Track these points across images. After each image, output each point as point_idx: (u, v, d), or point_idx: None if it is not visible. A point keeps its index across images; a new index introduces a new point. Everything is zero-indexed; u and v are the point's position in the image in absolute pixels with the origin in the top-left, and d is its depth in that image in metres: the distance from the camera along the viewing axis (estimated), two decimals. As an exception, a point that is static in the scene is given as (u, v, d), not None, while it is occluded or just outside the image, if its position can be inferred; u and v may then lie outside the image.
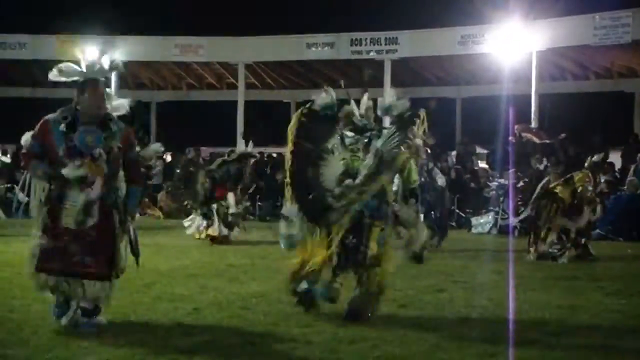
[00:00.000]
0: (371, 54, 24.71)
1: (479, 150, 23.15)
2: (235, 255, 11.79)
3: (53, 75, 6.34)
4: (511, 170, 17.74)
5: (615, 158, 19.62)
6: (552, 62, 24.30)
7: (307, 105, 7.40)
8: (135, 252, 6.36)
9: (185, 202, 15.58)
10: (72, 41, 24.35)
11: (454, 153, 23.17)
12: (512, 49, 22.32)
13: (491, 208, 17.88)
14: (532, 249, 11.79)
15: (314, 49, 25.44)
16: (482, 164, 21.43)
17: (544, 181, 12.37)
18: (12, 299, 7.42)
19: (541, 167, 14.32)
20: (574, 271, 10.22)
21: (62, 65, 6.34)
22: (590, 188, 11.92)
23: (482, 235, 16.79)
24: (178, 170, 20.47)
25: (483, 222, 17.67)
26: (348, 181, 6.87)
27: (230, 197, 14.10)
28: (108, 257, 6.13)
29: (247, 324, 6.47)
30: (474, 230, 17.58)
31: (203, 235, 13.85)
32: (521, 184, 14.98)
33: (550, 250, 11.67)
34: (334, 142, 7.14)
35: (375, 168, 6.80)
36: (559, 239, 11.75)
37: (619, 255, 12.24)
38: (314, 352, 5.62)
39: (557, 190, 11.82)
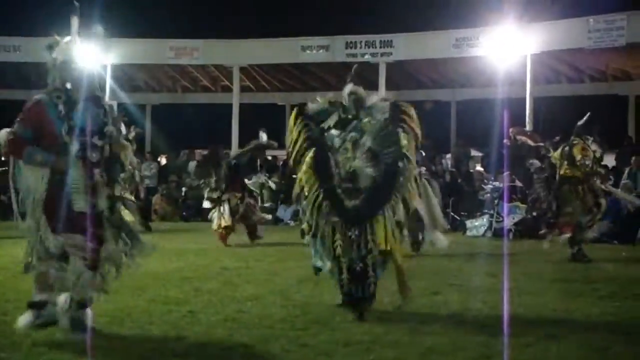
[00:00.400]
0: (366, 56, 24.72)
1: (473, 153, 23.19)
2: (230, 258, 11.78)
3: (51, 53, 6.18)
4: (506, 173, 17.78)
5: (610, 160, 19.65)
6: (546, 65, 24.36)
7: (300, 106, 7.51)
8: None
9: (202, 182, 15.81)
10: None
11: (448, 156, 23.20)
12: (507, 51, 22.37)
13: (486, 211, 17.89)
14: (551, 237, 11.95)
15: (308, 51, 25.47)
16: (478, 167, 21.46)
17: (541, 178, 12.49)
18: (5, 302, 7.39)
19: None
20: (569, 274, 10.23)
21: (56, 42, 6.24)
22: (588, 162, 12.03)
23: (477, 238, 16.81)
24: (198, 161, 20.68)
25: (478, 224, 17.69)
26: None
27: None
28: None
29: (242, 327, 6.46)
30: (468, 233, 17.60)
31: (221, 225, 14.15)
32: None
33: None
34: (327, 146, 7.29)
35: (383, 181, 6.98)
36: (589, 211, 11.96)
37: (614, 258, 12.24)
38: (309, 354, 5.61)
39: (570, 173, 11.93)
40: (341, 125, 7.45)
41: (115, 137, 6.11)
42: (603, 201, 12.23)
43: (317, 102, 7.57)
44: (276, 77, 28.67)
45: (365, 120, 7.40)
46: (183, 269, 10.34)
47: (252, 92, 29.32)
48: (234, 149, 24.56)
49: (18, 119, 5.93)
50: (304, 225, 7.44)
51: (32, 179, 5.92)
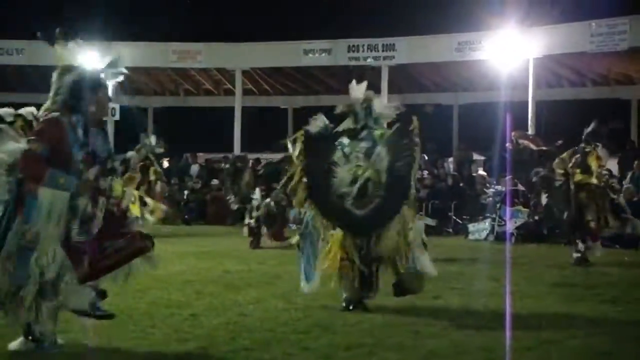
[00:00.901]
0: (368, 60, 24.73)
1: (476, 156, 23.18)
2: (231, 261, 11.79)
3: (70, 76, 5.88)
4: (508, 177, 17.77)
5: (612, 165, 19.64)
6: (548, 69, 24.35)
7: (302, 132, 7.78)
8: None
9: (228, 198, 16.08)
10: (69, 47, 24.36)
11: (451, 159, 23.20)
12: (509, 55, 22.36)
13: (488, 215, 17.88)
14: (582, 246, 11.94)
15: (311, 55, 25.47)
16: (480, 171, 21.44)
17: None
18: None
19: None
20: (571, 278, 10.23)
21: (80, 68, 6.01)
22: (605, 172, 12.10)
23: (479, 242, 16.79)
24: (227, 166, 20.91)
25: (480, 228, 17.67)
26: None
27: (257, 192, 14.84)
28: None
29: (244, 330, 6.46)
30: (470, 237, 17.58)
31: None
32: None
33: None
34: (338, 154, 7.63)
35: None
36: (617, 218, 12.02)
37: (616, 262, 12.22)
38: (311, 358, 5.62)
39: (584, 181, 11.94)
40: (353, 134, 7.78)
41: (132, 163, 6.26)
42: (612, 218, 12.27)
43: (316, 123, 7.79)
44: (279, 80, 28.68)
45: (377, 132, 7.74)
46: (185, 272, 10.35)
47: (254, 95, 29.33)
48: (236, 152, 24.61)
49: (35, 136, 5.50)
50: (296, 240, 8.01)
51: (53, 201, 5.44)
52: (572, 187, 12.08)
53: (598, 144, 12.19)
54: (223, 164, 24.22)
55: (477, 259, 12.79)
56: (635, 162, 18.06)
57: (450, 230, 19.09)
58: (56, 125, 5.50)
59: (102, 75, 6.00)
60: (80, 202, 5.54)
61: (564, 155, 12.41)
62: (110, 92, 6.14)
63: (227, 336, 6.25)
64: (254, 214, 14.55)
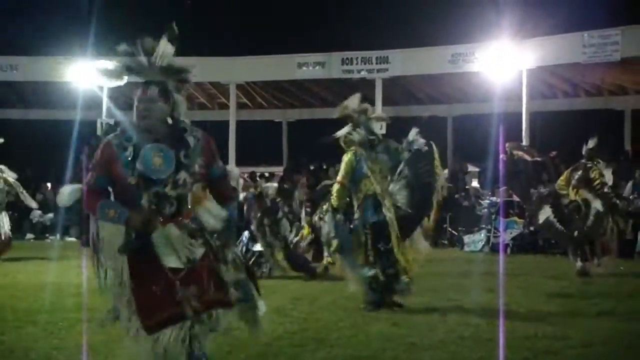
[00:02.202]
0: (362, 73, 24.78)
1: (470, 168, 23.21)
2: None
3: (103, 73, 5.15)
4: (502, 188, 17.78)
5: (607, 175, 19.65)
6: (542, 80, 24.42)
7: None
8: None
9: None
10: (65, 63, 24.42)
11: (445, 171, 23.20)
12: (503, 67, 22.42)
13: (483, 226, 17.90)
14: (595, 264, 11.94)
15: (305, 68, 25.50)
16: (474, 183, 21.47)
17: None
18: (3, 321, 7.38)
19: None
20: (567, 289, 10.24)
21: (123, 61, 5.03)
22: (605, 182, 12.13)
23: (475, 253, 16.80)
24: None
25: (475, 240, 17.70)
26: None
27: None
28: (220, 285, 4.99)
29: (240, 344, 6.45)
30: (466, 248, 17.60)
31: None
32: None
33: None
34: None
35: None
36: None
37: (612, 272, 12.23)
38: (307, 372, 5.61)
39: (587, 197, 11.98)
40: (369, 145, 8.50)
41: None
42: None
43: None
44: (273, 94, 28.71)
45: (392, 146, 8.72)
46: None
47: (249, 109, 29.36)
48: (231, 167, 24.45)
49: (90, 167, 4.96)
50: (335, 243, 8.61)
51: (108, 234, 4.88)
52: (580, 202, 12.08)
53: (599, 160, 12.24)
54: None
55: (472, 271, 12.79)
56: (637, 172, 18.03)
57: (446, 241, 19.11)
58: (105, 148, 4.86)
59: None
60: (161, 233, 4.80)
61: (565, 175, 12.39)
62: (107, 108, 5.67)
63: (223, 350, 6.23)
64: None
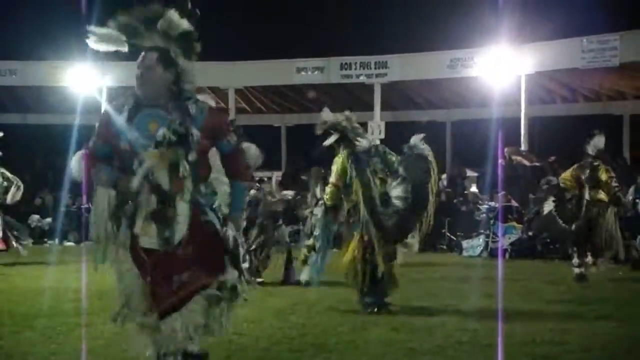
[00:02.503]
0: (361, 78, 24.83)
1: (469, 173, 23.24)
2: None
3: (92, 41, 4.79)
4: (501, 193, 17.81)
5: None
6: (540, 85, 24.46)
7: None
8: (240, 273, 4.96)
9: None
10: (63, 67, 24.44)
11: (444, 176, 23.25)
12: (501, 72, 22.46)
13: (482, 231, 17.90)
14: (590, 263, 11.90)
15: (303, 73, 25.54)
16: (473, 189, 21.47)
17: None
18: (1, 326, 7.37)
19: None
20: (565, 294, 10.24)
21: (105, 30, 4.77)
22: (615, 184, 12.13)
23: (473, 258, 16.80)
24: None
25: (474, 245, 17.70)
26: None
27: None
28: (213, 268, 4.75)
29: (239, 349, 6.44)
30: (464, 253, 17.60)
31: None
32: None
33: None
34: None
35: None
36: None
37: (610, 278, 12.23)
38: (306, 377, 5.61)
39: (596, 197, 11.93)
40: (366, 151, 8.64)
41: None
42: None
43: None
44: (272, 98, 28.74)
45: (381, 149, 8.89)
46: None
47: (247, 113, 29.38)
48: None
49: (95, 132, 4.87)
50: (309, 242, 8.82)
51: (99, 199, 4.74)
52: (585, 201, 12.04)
53: (602, 158, 12.24)
54: None
55: (471, 276, 12.78)
56: (639, 177, 18.01)
57: (445, 246, 19.11)
58: (103, 116, 4.81)
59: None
60: (141, 199, 4.63)
61: (571, 171, 12.34)
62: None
63: (221, 355, 6.22)
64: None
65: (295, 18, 30.56)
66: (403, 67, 24.59)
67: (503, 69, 22.34)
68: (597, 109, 26.20)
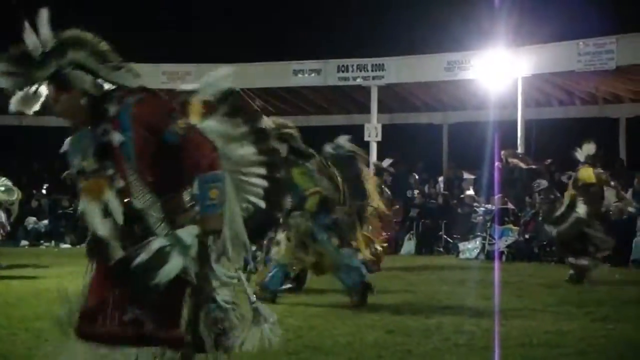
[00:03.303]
0: (358, 80, 24.81)
1: (465, 175, 23.25)
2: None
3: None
4: (497, 196, 17.82)
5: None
6: (537, 88, 24.47)
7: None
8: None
9: None
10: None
11: (441, 179, 23.26)
12: (498, 75, 22.46)
13: (478, 233, 17.92)
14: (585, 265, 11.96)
15: (300, 75, 25.52)
16: (469, 192, 21.49)
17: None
18: (-2, 328, 7.37)
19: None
20: (562, 297, 10.24)
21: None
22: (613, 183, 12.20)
23: (470, 261, 16.81)
24: None
25: (471, 247, 17.72)
26: None
27: None
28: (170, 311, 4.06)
29: (235, 356, 6.43)
30: (461, 256, 17.62)
31: None
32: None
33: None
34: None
35: None
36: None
37: (607, 280, 12.25)
38: (302, 379, 5.60)
39: (587, 180, 12.00)
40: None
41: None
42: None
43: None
44: (268, 100, 28.73)
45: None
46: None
47: (244, 116, 29.36)
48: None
49: None
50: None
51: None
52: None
53: (597, 165, 12.29)
54: None
55: (467, 278, 12.80)
56: (636, 179, 18.02)
57: (441, 249, 19.13)
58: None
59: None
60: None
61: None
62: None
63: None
64: None
65: (292, 20, 30.56)
66: (400, 69, 24.58)
67: (500, 71, 22.34)
68: (594, 112, 26.21)
